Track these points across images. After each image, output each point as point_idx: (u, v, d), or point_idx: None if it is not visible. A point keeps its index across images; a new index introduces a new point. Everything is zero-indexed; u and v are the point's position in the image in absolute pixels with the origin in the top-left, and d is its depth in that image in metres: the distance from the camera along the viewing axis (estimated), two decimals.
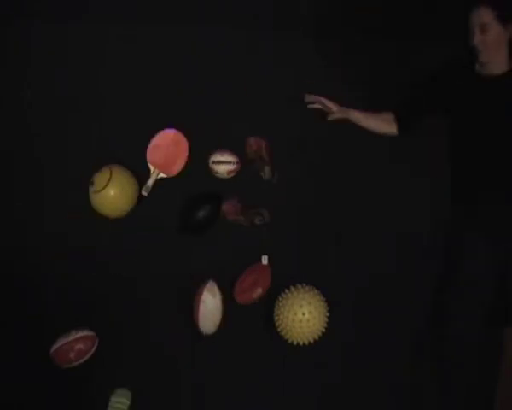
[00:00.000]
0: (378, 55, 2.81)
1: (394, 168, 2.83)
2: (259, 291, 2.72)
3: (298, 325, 2.60)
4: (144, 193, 2.72)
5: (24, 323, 2.71)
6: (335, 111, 2.55)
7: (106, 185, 2.59)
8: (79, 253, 2.74)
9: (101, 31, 2.75)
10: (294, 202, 2.82)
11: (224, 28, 2.77)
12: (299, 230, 2.83)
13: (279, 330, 2.67)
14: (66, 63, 2.76)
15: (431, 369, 2.66)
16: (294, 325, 2.61)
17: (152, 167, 2.73)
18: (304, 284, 2.71)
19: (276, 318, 2.68)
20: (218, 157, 2.74)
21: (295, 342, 2.66)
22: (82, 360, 2.64)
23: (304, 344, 2.66)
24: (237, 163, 2.76)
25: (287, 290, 2.70)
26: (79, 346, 2.62)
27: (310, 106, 2.57)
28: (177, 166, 2.76)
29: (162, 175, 2.74)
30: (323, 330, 2.67)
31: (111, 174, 2.61)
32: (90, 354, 2.65)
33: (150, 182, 2.72)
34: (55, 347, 2.62)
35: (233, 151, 2.76)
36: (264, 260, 2.79)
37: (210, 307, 2.64)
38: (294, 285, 2.71)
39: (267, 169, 2.75)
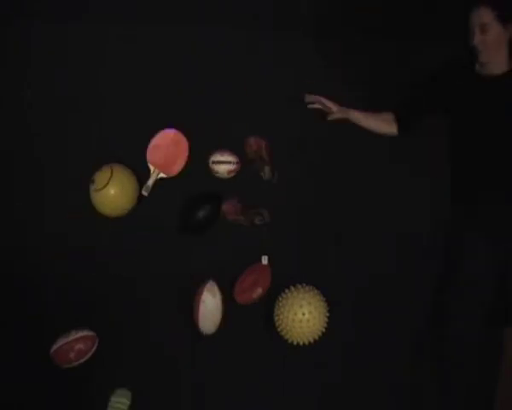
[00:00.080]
0: (378, 55, 2.81)
1: (394, 168, 2.83)
2: (259, 291, 2.72)
3: (298, 325, 2.60)
4: (144, 193, 2.72)
5: (24, 323, 2.71)
6: (335, 111, 2.55)
7: (107, 184, 2.59)
8: (79, 253, 2.74)
9: (101, 31, 2.75)
10: (294, 202, 2.82)
11: (223, 28, 2.77)
12: (299, 230, 2.83)
13: (279, 330, 2.67)
14: (66, 63, 2.76)
15: (431, 369, 2.66)
16: (294, 325, 2.61)
17: (152, 167, 2.73)
18: (304, 284, 2.71)
19: (276, 318, 2.68)
20: (218, 157, 2.74)
21: (295, 342, 2.66)
22: (82, 360, 2.64)
23: (304, 344, 2.66)
24: (237, 163, 2.76)
25: (287, 290, 2.70)
26: (79, 346, 2.62)
27: (310, 106, 2.57)
28: (177, 167, 2.76)
29: (162, 175, 2.75)
30: (323, 330, 2.67)
31: (112, 173, 2.62)
32: (90, 354, 2.65)
33: (150, 182, 2.72)
34: (55, 347, 2.62)
35: (233, 151, 2.76)
36: (264, 260, 2.79)
37: (210, 307, 2.64)
38: (294, 285, 2.71)
39: (267, 169, 2.75)
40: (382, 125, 2.59)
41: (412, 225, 2.81)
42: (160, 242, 2.77)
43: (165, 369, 2.76)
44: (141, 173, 2.74)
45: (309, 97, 2.56)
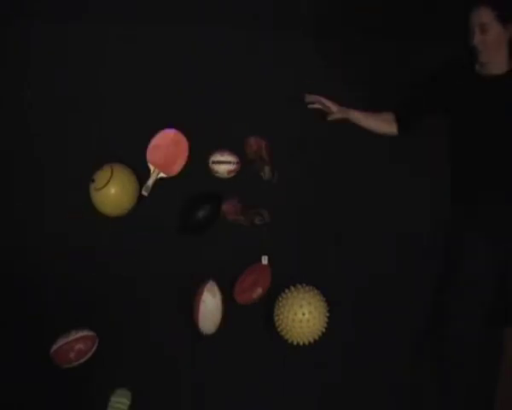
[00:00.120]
0: (378, 55, 2.81)
1: (394, 168, 2.83)
2: (259, 291, 2.72)
3: (298, 325, 2.60)
4: (144, 193, 2.72)
5: (24, 323, 2.71)
6: (335, 111, 2.55)
7: (107, 183, 2.59)
8: (79, 253, 2.74)
9: (101, 31, 2.75)
10: (294, 202, 2.82)
11: (223, 28, 2.77)
12: (299, 230, 2.83)
13: (279, 330, 2.67)
14: (66, 63, 2.76)
15: (431, 369, 2.66)
16: (294, 325, 2.61)
17: (152, 167, 2.73)
18: (304, 284, 2.71)
19: (276, 318, 2.68)
20: (218, 157, 2.74)
21: (295, 342, 2.66)
22: (82, 360, 2.64)
23: (304, 344, 2.66)
24: (237, 163, 2.76)
25: (287, 290, 2.70)
26: (79, 346, 2.62)
27: (310, 106, 2.58)
28: (177, 166, 2.76)
29: (162, 175, 2.75)
30: (323, 330, 2.67)
31: (112, 172, 2.62)
32: (90, 354, 2.65)
33: (150, 182, 2.72)
34: (55, 347, 2.62)
35: (233, 151, 2.76)
36: (264, 260, 2.79)
37: (210, 307, 2.64)
38: (294, 285, 2.71)
39: (267, 169, 2.75)
40: (382, 125, 2.59)
41: (412, 225, 2.81)
42: (160, 242, 2.77)
43: (165, 369, 2.76)
44: (141, 173, 2.74)
45: (309, 97, 2.56)
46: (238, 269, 2.76)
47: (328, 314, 2.68)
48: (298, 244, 2.82)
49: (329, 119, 2.58)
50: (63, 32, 2.75)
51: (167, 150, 2.74)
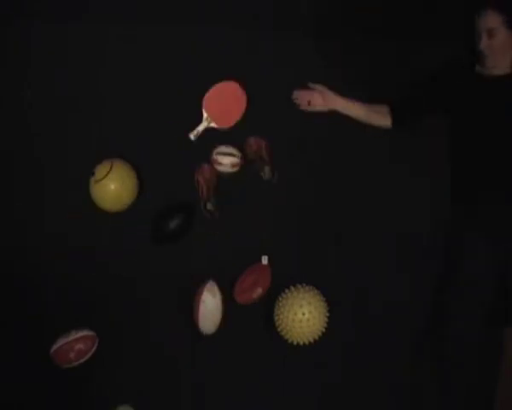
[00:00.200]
0: (378, 55, 2.81)
1: (394, 168, 2.83)
2: (259, 291, 2.72)
3: (298, 325, 2.61)
4: (192, 137, 2.70)
5: (24, 323, 2.71)
6: (319, 105, 2.55)
7: (107, 174, 2.60)
8: (79, 253, 2.74)
9: (101, 31, 2.75)
10: (294, 202, 2.82)
11: (223, 28, 2.77)
12: (299, 230, 2.83)
13: (279, 330, 2.67)
14: (66, 63, 2.76)
15: (431, 369, 2.66)
16: (294, 325, 2.61)
17: (205, 114, 2.71)
18: (304, 284, 2.71)
19: (276, 318, 2.68)
20: (223, 149, 2.74)
21: (295, 342, 2.66)
22: (82, 360, 2.64)
23: (304, 344, 2.66)
24: (241, 158, 2.75)
25: (287, 290, 2.70)
26: (79, 346, 2.62)
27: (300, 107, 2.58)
28: (231, 121, 2.75)
29: (213, 125, 2.74)
30: (323, 330, 2.67)
31: (111, 166, 2.62)
32: (90, 354, 2.65)
33: (201, 128, 2.70)
34: (55, 347, 2.62)
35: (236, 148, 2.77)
36: (264, 260, 2.79)
37: (210, 307, 2.64)
38: (294, 285, 2.71)
39: (267, 169, 2.75)
40: (375, 116, 2.57)
41: (412, 225, 2.81)
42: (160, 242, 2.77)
43: (165, 369, 2.76)
44: (141, 173, 2.74)
45: (296, 93, 2.56)
46: (238, 269, 2.76)
47: (328, 314, 2.68)
48: (298, 244, 2.82)
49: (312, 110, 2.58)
50: (63, 32, 2.75)
51: (225, 102, 2.73)
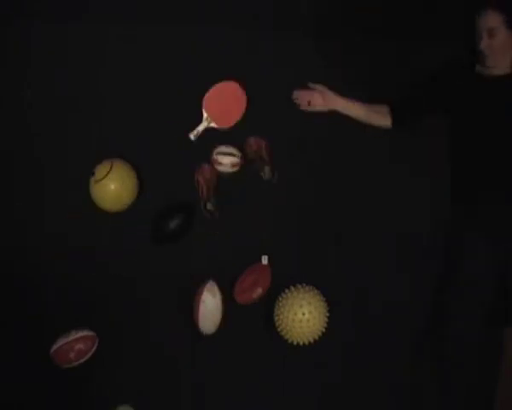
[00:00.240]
0: (378, 55, 2.81)
1: (394, 168, 2.83)
2: (259, 291, 2.72)
3: (298, 325, 2.61)
4: (192, 137, 2.70)
5: (24, 323, 2.71)
6: (318, 105, 2.55)
7: (106, 174, 2.60)
8: (79, 253, 2.74)
9: (101, 31, 2.75)
10: (294, 202, 2.82)
11: (223, 28, 2.77)
12: (299, 230, 2.83)
13: (279, 330, 2.67)
14: (66, 63, 2.76)
15: (431, 369, 2.66)
16: (294, 325, 2.61)
17: (205, 114, 2.71)
18: (304, 284, 2.71)
19: (276, 318, 2.68)
20: (223, 149, 2.74)
21: (295, 342, 2.66)
22: (82, 360, 2.64)
23: (304, 344, 2.66)
24: (241, 158, 2.75)
25: (287, 290, 2.70)
26: (79, 346, 2.62)
27: (300, 107, 2.58)
28: (231, 121, 2.75)
29: (213, 125, 2.74)
30: (323, 330, 2.67)
31: (111, 166, 2.62)
32: (90, 354, 2.65)
33: (201, 128, 2.70)
34: (55, 347, 2.62)
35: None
36: (264, 260, 2.79)
37: (210, 307, 2.64)
38: (294, 285, 2.71)
39: (267, 169, 2.75)
40: (375, 116, 2.57)
41: (412, 225, 2.81)
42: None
43: (165, 369, 2.76)
44: (141, 172, 2.74)
45: (296, 93, 2.56)
46: (238, 269, 2.76)
47: (328, 314, 2.68)
48: (298, 244, 2.82)
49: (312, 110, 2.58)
50: (63, 32, 2.75)
51: (225, 102, 2.73)
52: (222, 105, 2.75)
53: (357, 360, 2.82)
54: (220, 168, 2.75)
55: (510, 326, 2.58)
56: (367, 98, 2.61)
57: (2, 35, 2.75)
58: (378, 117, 2.57)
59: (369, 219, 2.83)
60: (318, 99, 2.56)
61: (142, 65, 2.77)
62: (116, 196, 2.65)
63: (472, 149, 2.43)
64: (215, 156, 2.74)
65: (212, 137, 2.76)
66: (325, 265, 2.82)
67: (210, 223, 2.76)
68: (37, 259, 2.74)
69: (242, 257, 2.78)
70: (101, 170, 2.63)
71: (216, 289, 2.67)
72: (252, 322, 2.78)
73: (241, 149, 2.77)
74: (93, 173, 2.64)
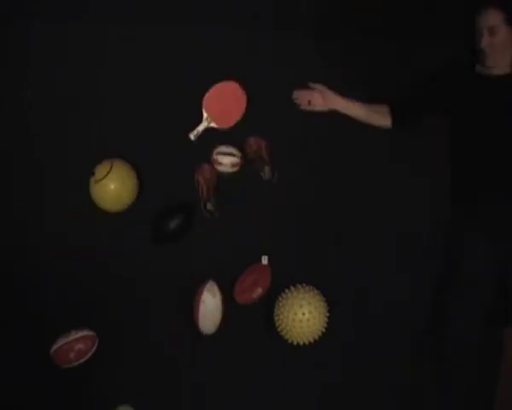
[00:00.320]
0: (378, 55, 2.81)
1: (394, 168, 2.83)
2: (259, 291, 2.72)
3: (298, 325, 2.61)
4: (192, 137, 2.70)
5: (24, 323, 2.71)
6: (318, 106, 2.55)
7: (106, 174, 2.60)
8: (79, 253, 2.74)
9: (101, 31, 2.75)
10: (294, 202, 2.82)
11: (223, 28, 2.77)
12: (299, 230, 2.83)
13: (279, 330, 2.67)
14: (66, 63, 2.76)
15: (431, 369, 2.66)
16: (294, 325, 2.61)
17: (205, 114, 2.71)
18: (304, 284, 2.71)
19: (276, 318, 2.68)
20: (223, 149, 2.74)
21: (295, 342, 2.66)
22: (82, 360, 2.64)
23: (304, 344, 2.66)
24: (241, 158, 2.75)
25: (287, 290, 2.70)
26: (79, 346, 2.62)
27: (300, 107, 2.58)
28: (231, 121, 2.75)
29: (213, 125, 2.74)
30: (323, 330, 2.67)
31: (111, 166, 2.62)
32: (90, 354, 2.65)
33: (201, 128, 2.70)
34: (55, 347, 2.62)
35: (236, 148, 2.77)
36: (264, 260, 2.79)
37: (210, 307, 2.64)
38: (294, 285, 2.71)
39: (267, 169, 2.75)
40: (375, 116, 2.56)
41: (412, 225, 2.81)
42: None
43: (165, 369, 2.76)
44: (141, 172, 2.74)
45: (296, 93, 2.56)
46: (238, 269, 2.76)
47: (328, 314, 2.68)
48: (298, 244, 2.82)
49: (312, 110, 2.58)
50: (63, 32, 2.75)
51: (225, 102, 2.73)
52: (222, 105, 2.75)
53: (357, 360, 2.82)
54: (220, 168, 2.75)
55: (510, 326, 2.57)
56: (367, 98, 2.60)
57: (2, 35, 2.75)
58: (378, 117, 2.57)
59: (369, 219, 2.83)
60: (318, 99, 2.55)
61: (142, 65, 2.78)
62: (116, 196, 2.65)
63: (472, 149, 2.42)
64: (215, 156, 2.74)
65: (212, 137, 2.76)
66: (325, 265, 2.82)
67: (210, 223, 2.76)
68: (37, 259, 2.74)
69: (242, 257, 2.78)
70: (101, 170, 2.63)
71: (216, 289, 2.67)
72: (252, 322, 2.78)
73: (241, 149, 2.77)
74: (93, 173, 2.64)
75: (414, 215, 2.82)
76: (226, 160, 2.74)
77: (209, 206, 2.72)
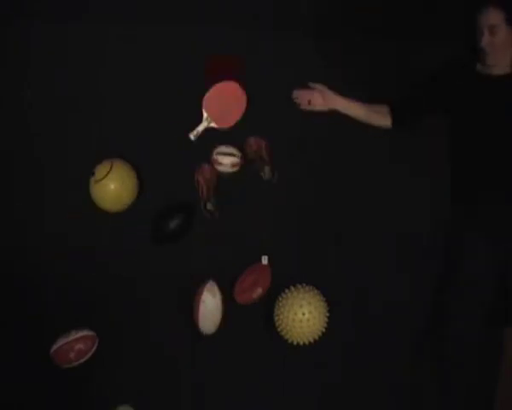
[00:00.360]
0: (378, 55, 2.81)
1: (394, 168, 2.83)
2: (259, 291, 2.72)
3: (298, 325, 2.61)
4: (192, 137, 2.70)
5: (24, 323, 2.71)
6: (318, 106, 2.55)
7: (106, 174, 2.60)
8: (79, 253, 2.74)
9: (101, 31, 2.75)
10: (294, 202, 2.82)
11: (223, 28, 2.77)
12: (299, 230, 2.83)
13: (279, 330, 2.67)
14: (66, 63, 2.76)
15: (431, 369, 2.66)
16: (294, 325, 2.61)
17: (205, 114, 2.71)
18: (304, 284, 2.71)
19: (276, 318, 2.68)
20: (223, 149, 2.74)
21: (295, 342, 2.66)
22: (82, 360, 2.64)
23: (304, 344, 2.66)
24: (241, 158, 2.75)
25: (287, 290, 2.70)
26: (79, 346, 2.62)
27: (300, 106, 2.58)
28: (231, 121, 2.75)
29: (213, 125, 2.74)
30: (323, 330, 2.67)
31: (111, 166, 2.62)
32: (90, 354, 2.65)
33: (201, 128, 2.70)
34: (55, 347, 2.62)
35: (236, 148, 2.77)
36: (264, 260, 2.79)
37: (210, 307, 2.64)
38: (294, 285, 2.71)
39: (267, 169, 2.75)
40: (374, 116, 2.56)
41: (412, 225, 2.81)
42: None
43: (165, 369, 2.76)
44: (141, 172, 2.74)
45: (296, 93, 2.56)
46: (238, 269, 2.76)
47: (328, 314, 2.68)
48: (298, 244, 2.82)
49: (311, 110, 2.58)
50: (63, 32, 2.75)
51: (225, 102, 2.73)
52: (222, 105, 2.75)
53: (357, 360, 2.82)
54: (220, 168, 2.75)
55: (510, 326, 2.57)
56: (367, 98, 2.60)
57: (2, 35, 2.75)
58: (378, 117, 2.57)
59: (369, 219, 2.83)
60: (318, 99, 2.55)
61: (142, 65, 2.78)
62: (116, 196, 2.65)
63: (472, 149, 2.42)
64: (215, 156, 2.74)
65: (212, 137, 2.76)
66: (325, 265, 2.82)
67: (210, 223, 2.76)
68: (37, 259, 2.74)
69: (242, 257, 2.78)
70: (101, 170, 2.63)
71: (216, 289, 2.67)
72: (252, 322, 2.78)
73: (241, 148, 2.77)
74: (93, 173, 2.64)
75: (414, 215, 2.82)
76: (226, 160, 2.74)
77: (209, 206, 2.72)
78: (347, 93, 2.62)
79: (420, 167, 2.83)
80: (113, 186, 2.62)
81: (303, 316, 2.60)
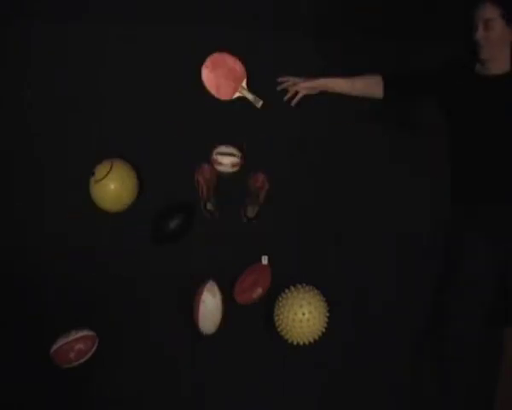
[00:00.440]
0: (378, 55, 2.81)
1: (394, 168, 2.83)
2: (259, 291, 2.72)
3: (298, 325, 2.61)
4: (259, 105, 2.71)
5: (24, 323, 2.71)
6: (303, 88, 2.56)
7: (106, 175, 2.60)
8: (79, 253, 2.74)
9: (101, 31, 2.75)
10: (294, 202, 2.82)
11: (223, 28, 2.77)
12: (299, 230, 2.83)
13: (279, 330, 2.67)
14: (66, 63, 2.76)
15: (431, 369, 2.66)
16: (294, 325, 2.61)
17: (244, 84, 2.71)
18: (304, 284, 2.71)
19: (276, 318, 2.68)
20: (223, 149, 2.74)
21: (295, 342, 2.66)
22: (82, 360, 2.64)
23: (304, 344, 2.66)
24: (241, 158, 2.75)
25: (287, 290, 2.70)
26: (79, 346, 2.62)
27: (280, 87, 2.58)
28: (228, 93, 2.74)
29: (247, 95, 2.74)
30: (323, 330, 2.67)
31: (111, 166, 2.62)
32: (90, 354, 2.65)
33: (250, 96, 2.70)
34: (55, 347, 2.62)
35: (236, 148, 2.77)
36: (264, 260, 2.79)
37: (210, 307, 2.64)
38: (294, 285, 2.71)
39: (251, 209, 2.75)
40: (363, 84, 2.55)
41: (412, 225, 2.82)
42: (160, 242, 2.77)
43: (165, 369, 2.76)
44: (141, 172, 2.74)
45: (280, 86, 2.56)
46: (238, 269, 2.76)
47: (328, 314, 2.68)
48: (298, 244, 2.82)
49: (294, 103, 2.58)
50: (63, 32, 2.74)
51: (221, 74, 2.72)
52: (218, 77, 2.73)
53: (357, 360, 2.82)
54: (220, 168, 2.75)
55: (510, 326, 2.58)
56: (367, 100, 2.60)
57: (2, 35, 2.75)
58: (368, 85, 2.55)
59: (369, 219, 2.83)
60: (303, 83, 2.56)
61: (142, 65, 2.78)
62: (116, 196, 2.65)
63: (472, 149, 2.42)
64: (215, 156, 2.74)
65: (213, 137, 2.76)
66: (325, 265, 2.82)
67: (210, 223, 2.76)
68: (37, 259, 2.74)
69: (242, 257, 2.78)
70: (101, 170, 2.63)
71: (216, 289, 2.67)
72: (252, 322, 2.78)
73: (240, 149, 2.76)
74: (93, 173, 2.64)
75: (414, 215, 2.82)
76: (226, 160, 2.73)
77: (209, 206, 2.72)
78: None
79: (420, 167, 2.83)
80: (113, 186, 2.62)
81: (303, 316, 2.60)
